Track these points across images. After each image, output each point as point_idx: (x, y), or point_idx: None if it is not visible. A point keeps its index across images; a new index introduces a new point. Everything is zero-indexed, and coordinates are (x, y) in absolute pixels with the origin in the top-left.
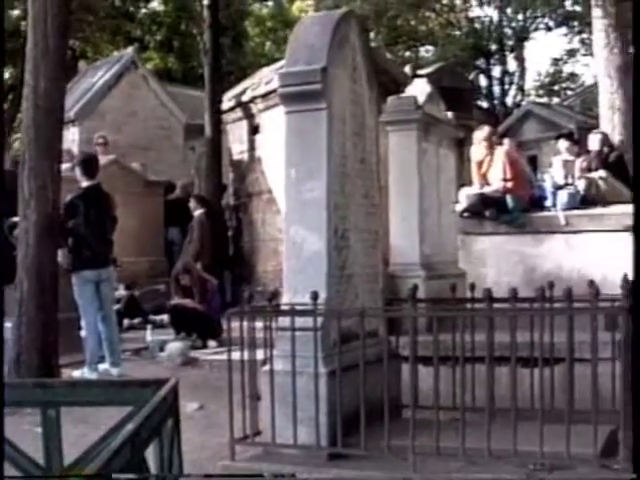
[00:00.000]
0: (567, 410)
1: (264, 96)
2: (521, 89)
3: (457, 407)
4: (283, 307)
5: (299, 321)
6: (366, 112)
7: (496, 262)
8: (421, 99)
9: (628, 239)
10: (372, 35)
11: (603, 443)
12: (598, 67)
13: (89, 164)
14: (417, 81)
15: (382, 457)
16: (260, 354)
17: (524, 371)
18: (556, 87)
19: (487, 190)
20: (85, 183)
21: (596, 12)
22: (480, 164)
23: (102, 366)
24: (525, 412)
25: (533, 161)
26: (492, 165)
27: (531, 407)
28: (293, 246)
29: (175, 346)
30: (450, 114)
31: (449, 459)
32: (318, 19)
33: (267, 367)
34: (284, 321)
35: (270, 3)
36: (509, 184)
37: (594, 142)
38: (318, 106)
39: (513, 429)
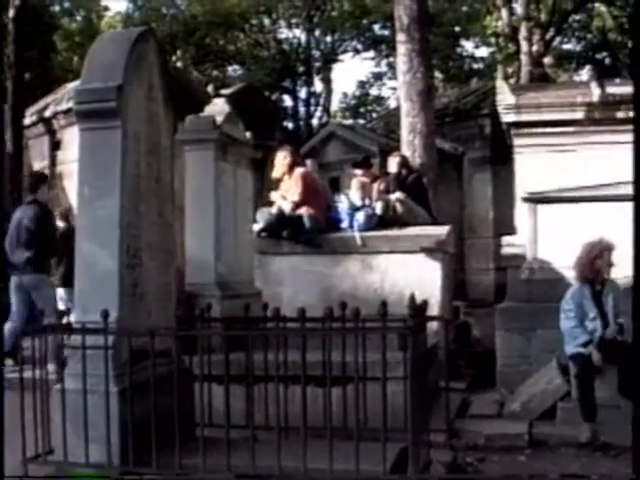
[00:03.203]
0: (356, 428)
1: (66, 112)
2: (327, 111)
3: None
4: (74, 325)
5: (90, 339)
6: (162, 131)
7: (293, 282)
8: (219, 119)
9: (423, 260)
10: (180, 53)
11: (393, 460)
12: (400, 91)
13: None
14: (217, 101)
15: (173, 475)
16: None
17: (318, 390)
18: (362, 109)
19: (284, 210)
20: None
21: (400, 36)
22: (279, 184)
23: None
24: (318, 430)
25: (336, 182)
26: (290, 185)
27: (324, 425)
28: (85, 264)
29: None
30: (249, 134)
31: (240, 477)
32: (116, 36)
33: (59, 386)
34: (75, 339)
35: (79, 18)
36: (306, 204)
37: (392, 165)
38: (113, 124)
39: (303, 447)
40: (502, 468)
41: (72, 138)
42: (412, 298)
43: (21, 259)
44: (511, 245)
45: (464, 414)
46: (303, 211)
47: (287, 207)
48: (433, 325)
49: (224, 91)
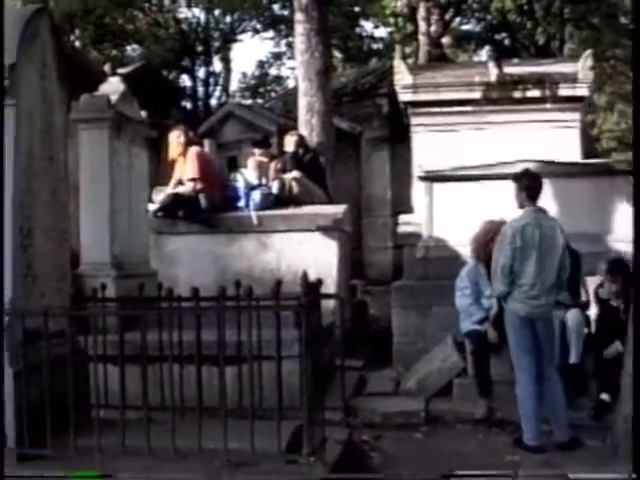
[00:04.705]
0: (250, 407)
1: None
2: (226, 90)
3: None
4: None
5: None
6: (55, 110)
7: (189, 262)
8: (114, 98)
9: (319, 238)
10: (78, 32)
11: (288, 438)
12: (298, 70)
13: None
14: (112, 80)
15: (69, 457)
16: None
17: (213, 369)
18: (261, 89)
19: (180, 190)
20: None
21: (298, 16)
22: (174, 164)
23: None
24: (215, 410)
25: (234, 162)
26: (185, 165)
27: (220, 405)
28: None
29: None
30: (145, 113)
31: (136, 458)
32: (9, 15)
33: None
34: None
35: None
36: (201, 184)
37: (290, 144)
38: (6, 102)
39: (198, 427)
40: (398, 445)
41: None
42: (305, 276)
43: None
44: (408, 224)
45: (360, 392)
46: (199, 190)
47: (186, 187)
48: (329, 304)
49: (121, 70)
